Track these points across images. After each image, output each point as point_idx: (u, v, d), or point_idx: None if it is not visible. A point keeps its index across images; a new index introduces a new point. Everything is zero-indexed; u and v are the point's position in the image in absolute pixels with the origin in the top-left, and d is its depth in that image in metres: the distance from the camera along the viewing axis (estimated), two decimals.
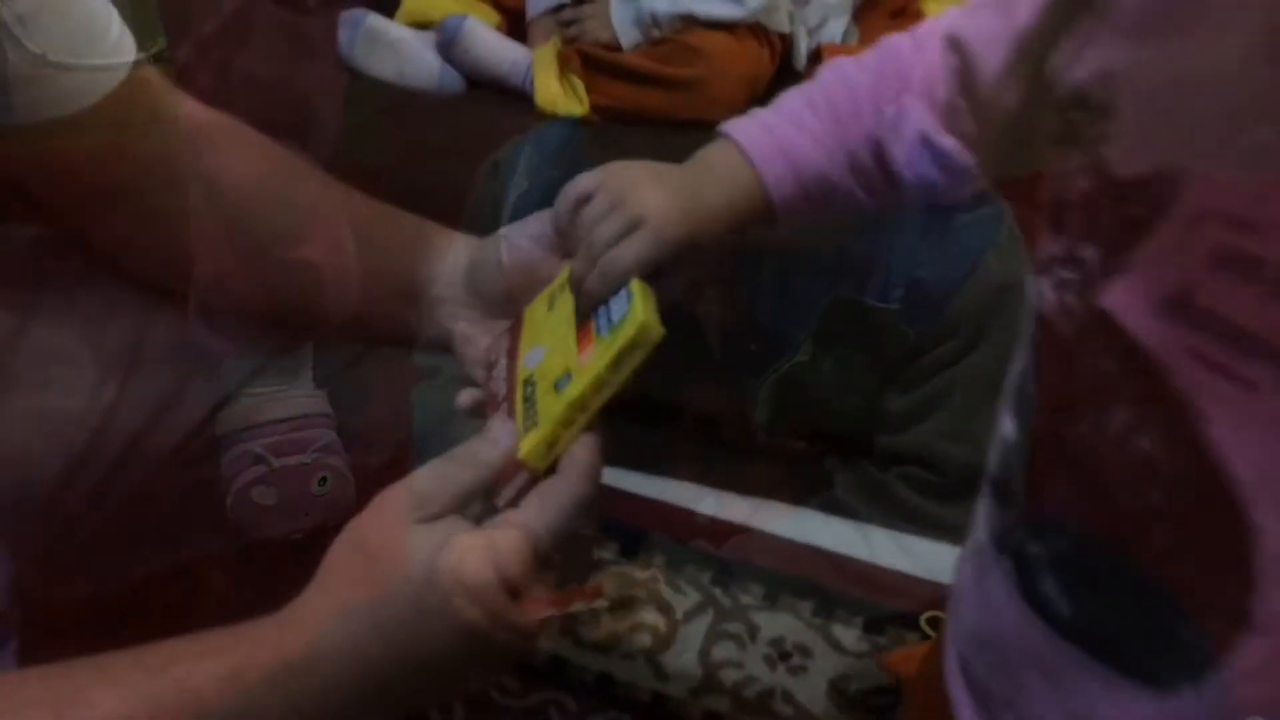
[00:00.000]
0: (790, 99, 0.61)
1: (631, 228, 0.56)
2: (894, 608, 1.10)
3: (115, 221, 0.64)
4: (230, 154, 0.66)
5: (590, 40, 1.19)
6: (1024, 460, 0.47)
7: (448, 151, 1.14)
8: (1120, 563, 0.43)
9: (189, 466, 0.69)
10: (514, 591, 0.47)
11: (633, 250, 0.56)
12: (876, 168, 0.59)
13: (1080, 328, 0.41)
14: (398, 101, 1.18)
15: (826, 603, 1.11)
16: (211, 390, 0.69)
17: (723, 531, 1.19)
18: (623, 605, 1.12)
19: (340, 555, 0.49)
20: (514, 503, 0.50)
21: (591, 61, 1.16)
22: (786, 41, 1.26)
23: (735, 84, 1.19)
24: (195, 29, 0.92)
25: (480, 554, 0.46)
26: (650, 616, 1.11)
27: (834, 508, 1.21)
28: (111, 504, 0.66)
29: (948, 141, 0.57)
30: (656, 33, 1.20)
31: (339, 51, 1.23)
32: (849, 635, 1.08)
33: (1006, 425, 0.48)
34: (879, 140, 0.59)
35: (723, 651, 1.08)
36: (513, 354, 0.59)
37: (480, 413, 0.59)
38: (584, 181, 0.59)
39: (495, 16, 1.28)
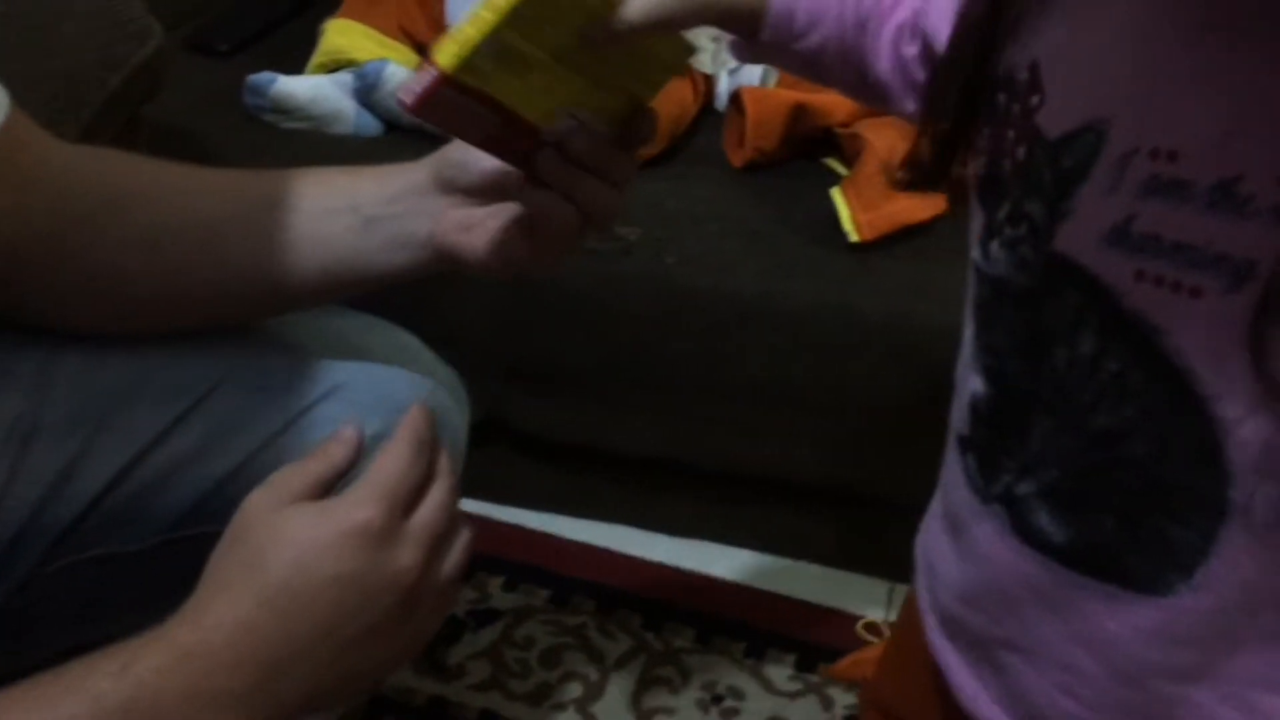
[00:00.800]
0: None
1: None
2: (825, 643, 1.11)
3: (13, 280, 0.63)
4: (130, 185, 0.66)
5: None
6: (999, 410, 0.51)
7: None
8: (1107, 480, 0.48)
9: (97, 537, 0.67)
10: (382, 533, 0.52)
11: None
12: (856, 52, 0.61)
13: (1039, 274, 0.47)
14: (314, 149, 1.16)
15: (758, 643, 1.11)
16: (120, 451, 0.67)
17: (653, 574, 1.19)
18: (553, 656, 1.11)
19: (219, 552, 0.53)
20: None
21: None
22: (710, 82, 1.27)
23: (665, 120, 1.19)
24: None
25: (343, 504, 0.53)
26: (580, 665, 1.10)
27: (764, 545, 1.21)
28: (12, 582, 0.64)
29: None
30: None
31: (247, 109, 1.20)
32: (780, 674, 1.08)
33: (975, 383, 0.52)
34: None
35: (655, 699, 1.07)
36: None
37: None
38: None
39: (416, 59, 1.27)
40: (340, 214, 0.66)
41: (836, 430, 1.08)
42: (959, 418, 0.54)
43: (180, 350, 0.69)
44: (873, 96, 0.62)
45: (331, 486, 0.55)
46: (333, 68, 1.22)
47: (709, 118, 1.25)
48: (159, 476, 0.67)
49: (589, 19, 0.54)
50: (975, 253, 0.51)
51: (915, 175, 0.56)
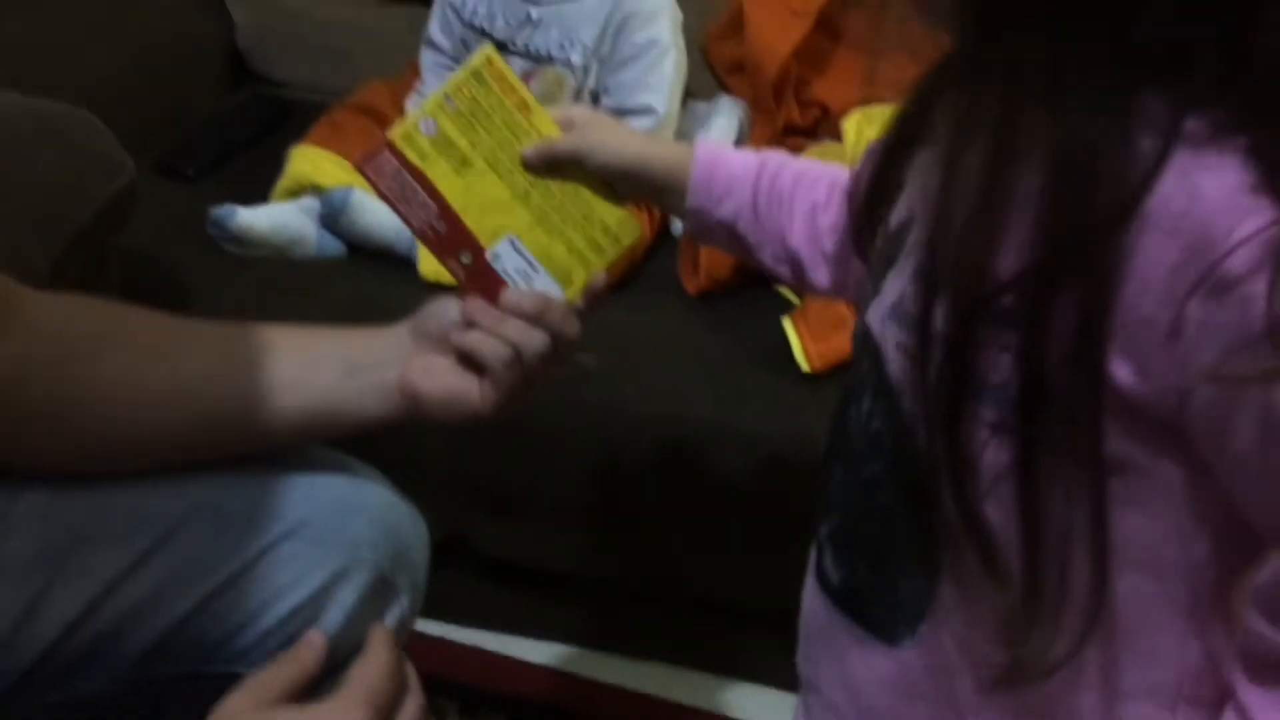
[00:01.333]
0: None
1: None
2: None
3: None
4: (101, 338, 0.67)
5: None
6: (824, 461, 0.59)
7: (331, 323, 1.14)
8: (864, 526, 0.54)
9: (59, 679, 0.67)
10: None
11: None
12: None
13: (856, 342, 0.55)
14: (278, 273, 1.18)
15: None
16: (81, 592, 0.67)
17: (612, 697, 1.19)
18: None
19: None
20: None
21: None
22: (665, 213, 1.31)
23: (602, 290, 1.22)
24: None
25: (328, 710, 0.55)
26: None
27: (727, 670, 1.21)
28: None
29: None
30: None
31: (211, 237, 1.23)
32: None
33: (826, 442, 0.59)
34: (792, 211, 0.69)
35: None
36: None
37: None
38: None
39: None
40: (325, 359, 0.68)
41: (792, 555, 1.09)
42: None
43: (143, 488, 0.69)
44: (789, 268, 0.69)
45: (305, 691, 0.58)
46: (298, 192, 1.25)
47: (666, 243, 1.29)
48: (120, 617, 0.67)
49: (516, 135, 0.64)
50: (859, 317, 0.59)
51: None
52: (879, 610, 0.54)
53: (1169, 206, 0.41)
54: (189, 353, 0.68)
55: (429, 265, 1.19)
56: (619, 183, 0.67)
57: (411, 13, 1.52)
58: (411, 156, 0.63)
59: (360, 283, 1.18)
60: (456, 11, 1.30)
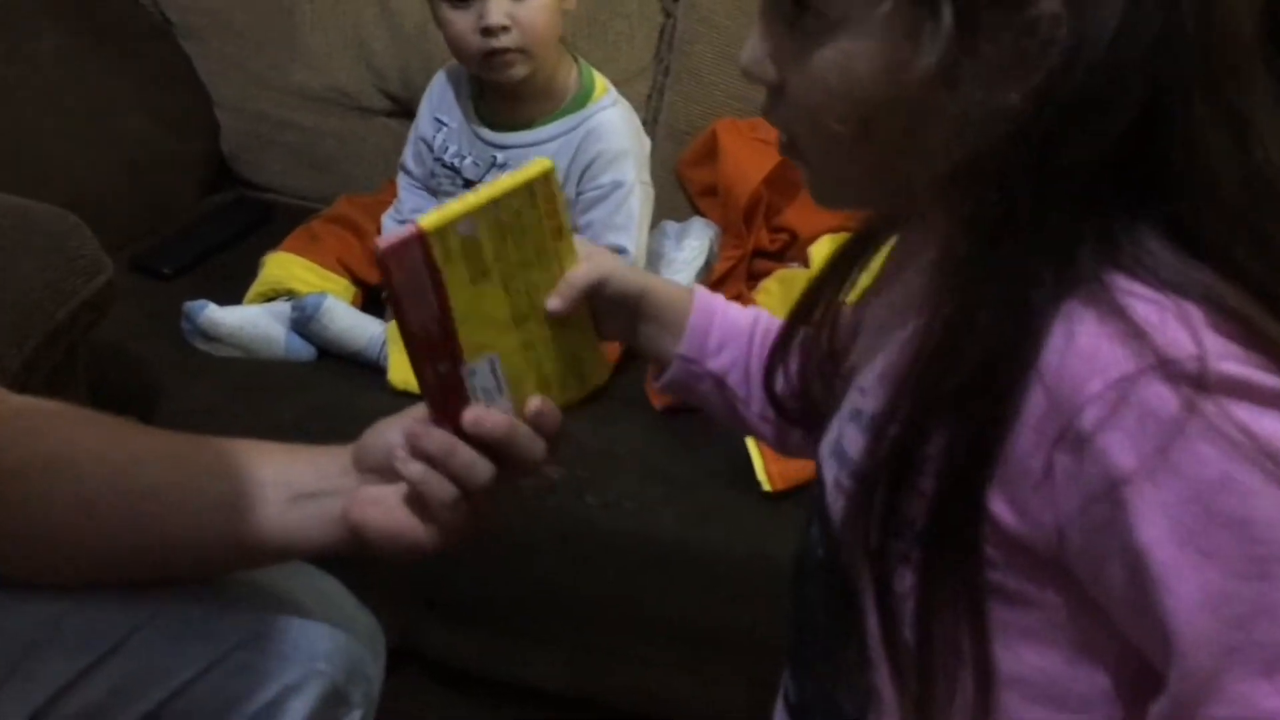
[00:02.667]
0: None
1: None
2: None
3: None
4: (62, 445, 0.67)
5: None
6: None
7: (298, 426, 1.15)
8: (809, 647, 0.57)
9: None
10: None
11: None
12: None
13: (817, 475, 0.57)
14: (247, 374, 1.19)
15: None
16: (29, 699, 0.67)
17: None
18: None
19: None
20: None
21: None
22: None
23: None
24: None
25: None
26: None
27: None
28: None
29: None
30: None
31: (183, 336, 1.24)
32: None
33: None
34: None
35: None
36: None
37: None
38: None
39: (352, 289, 1.32)
40: (270, 489, 0.67)
41: (751, 673, 1.09)
42: None
43: (99, 596, 0.69)
44: (771, 428, 0.69)
45: None
46: (271, 297, 1.26)
47: (634, 360, 1.30)
48: None
49: (540, 258, 0.61)
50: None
51: None
52: None
53: (1049, 357, 0.44)
54: (137, 482, 0.67)
55: (398, 373, 1.21)
56: (614, 315, 0.66)
57: (395, 124, 1.56)
58: (437, 253, 0.58)
59: (330, 388, 1.19)
60: (428, 145, 1.34)
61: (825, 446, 0.56)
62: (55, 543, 0.66)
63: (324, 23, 1.54)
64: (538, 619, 1.11)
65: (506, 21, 1.17)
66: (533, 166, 0.61)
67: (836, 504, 0.53)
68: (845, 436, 0.53)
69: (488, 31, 1.16)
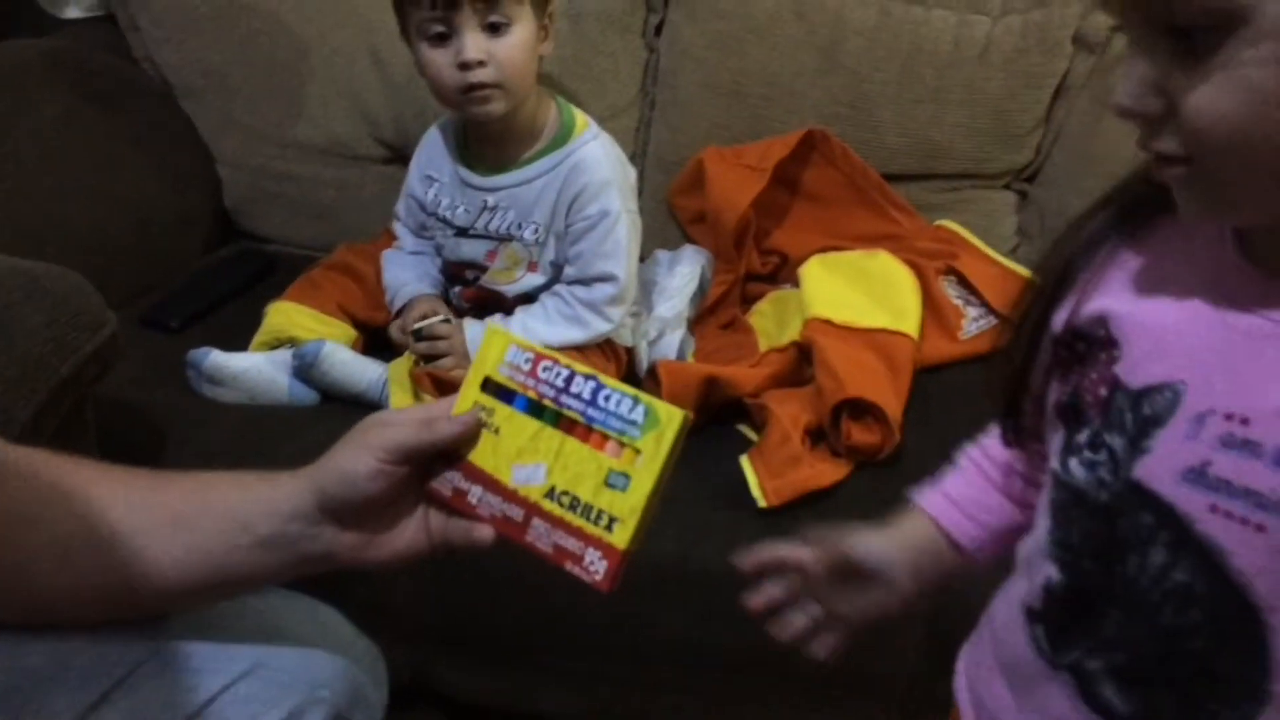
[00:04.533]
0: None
1: None
2: None
3: None
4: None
5: (446, 368, 1.27)
6: (1074, 597, 0.61)
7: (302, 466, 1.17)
8: (1169, 666, 0.57)
9: None
10: None
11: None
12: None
13: (1115, 495, 0.57)
14: (252, 421, 1.22)
15: None
16: None
17: None
18: None
19: None
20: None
21: (445, 385, 1.23)
22: (631, 354, 1.36)
23: None
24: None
25: None
26: None
27: None
28: None
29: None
30: None
31: (189, 385, 1.27)
32: None
33: (1049, 570, 0.62)
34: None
35: None
36: (484, 481, 0.68)
37: (499, 537, 0.68)
38: None
39: (352, 333, 1.35)
40: (235, 535, 0.69)
41: (755, 689, 1.10)
42: (1031, 594, 0.64)
43: (101, 633, 0.71)
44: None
45: None
46: (275, 345, 1.30)
47: (631, 383, 1.32)
48: None
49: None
50: (1055, 463, 0.61)
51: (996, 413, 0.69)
52: None
53: None
54: (106, 527, 0.69)
55: (400, 408, 1.24)
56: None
57: (392, 171, 1.60)
58: (635, 547, 0.67)
59: (332, 428, 1.20)
60: (420, 203, 1.38)
61: (1164, 469, 0.55)
62: (33, 589, 0.68)
63: (318, 76, 1.59)
64: (546, 649, 1.13)
65: (483, 56, 1.20)
66: (683, 420, 0.66)
67: (1221, 530, 0.53)
68: (1216, 464, 0.53)
69: (465, 66, 1.20)
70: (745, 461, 1.14)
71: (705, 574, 1.08)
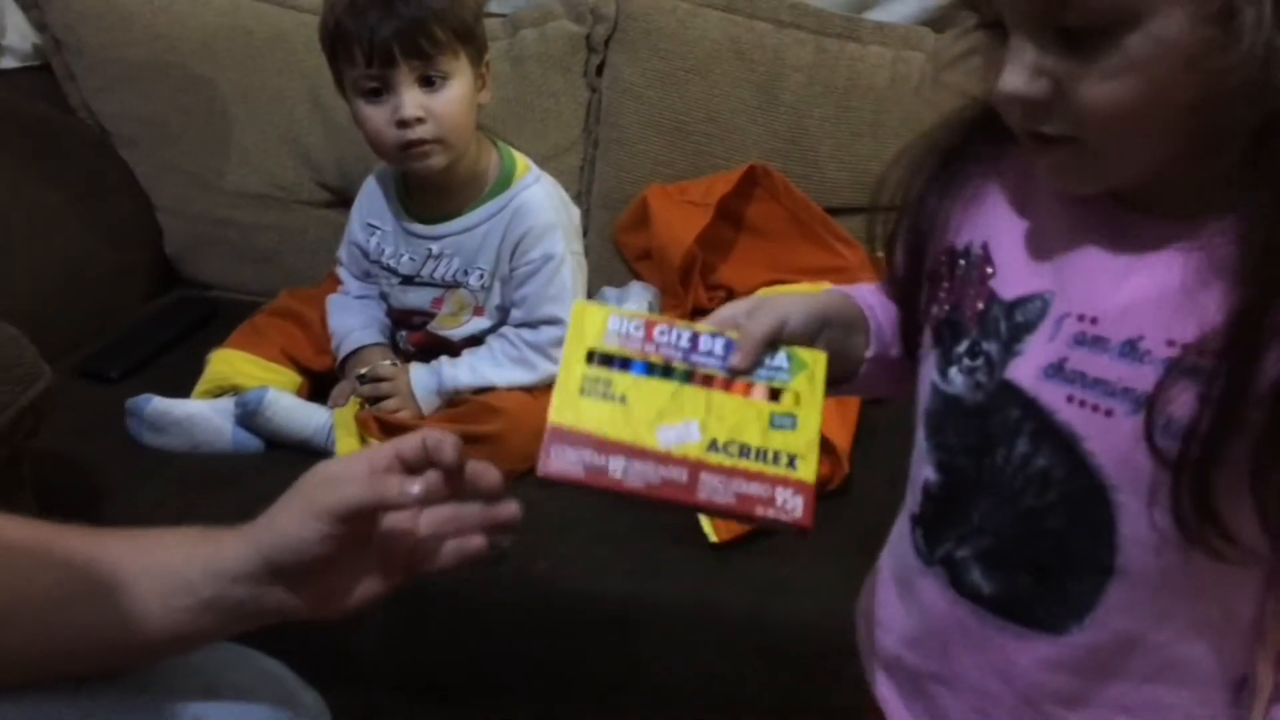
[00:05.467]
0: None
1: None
2: None
3: None
4: None
5: (391, 410, 1.26)
6: (947, 493, 0.66)
7: (248, 517, 1.15)
8: (1027, 546, 0.63)
9: None
10: None
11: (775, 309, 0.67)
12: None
13: (989, 395, 0.63)
14: (195, 470, 1.20)
15: None
16: None
17: None
18: None
19: None
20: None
21: (390, 428, 1.22)
22: None
23: (531, 436, 1.24)
24: None
25: None
26: None
27: None
28: None
29: None
30: (457, 397, 1.27)
31: (130, 433, 1.25)
32: None
33: (927, 472, 0.67)
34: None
35: None
36: (625, 451, 0.63)
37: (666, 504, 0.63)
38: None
39: (297, 379, 1.34)
40: (177, 596, 0.67)
41: None
42: (912, 499, 0.69)
43: (37, 695, 0.69)
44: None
45: None
46: (218, 393, 1.28)
47: None
48: None
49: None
50: (934, 375, 0.67)
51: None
52: (1044, 608, 0.63)
53: None
54: (52, 595, 0.67)
55: (347, 452, 1.22)
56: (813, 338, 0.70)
57: (336, 215, 1.59)
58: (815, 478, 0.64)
59: (277, 476, 1.18)
60: (363, 250, 1.38)
61: (1028, 368, 0.61)
62: None
63: (258, 121, 1.58)
64: (495, 688, 1.11)
65: (420, 113, 1.20)
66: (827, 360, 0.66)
67: (1077, 417, 0.59)
68: (1071, 360, 0.59)
69: (403, 124, 1.20)
70: None
71: (656, 612, 1.07)
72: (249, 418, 1.23)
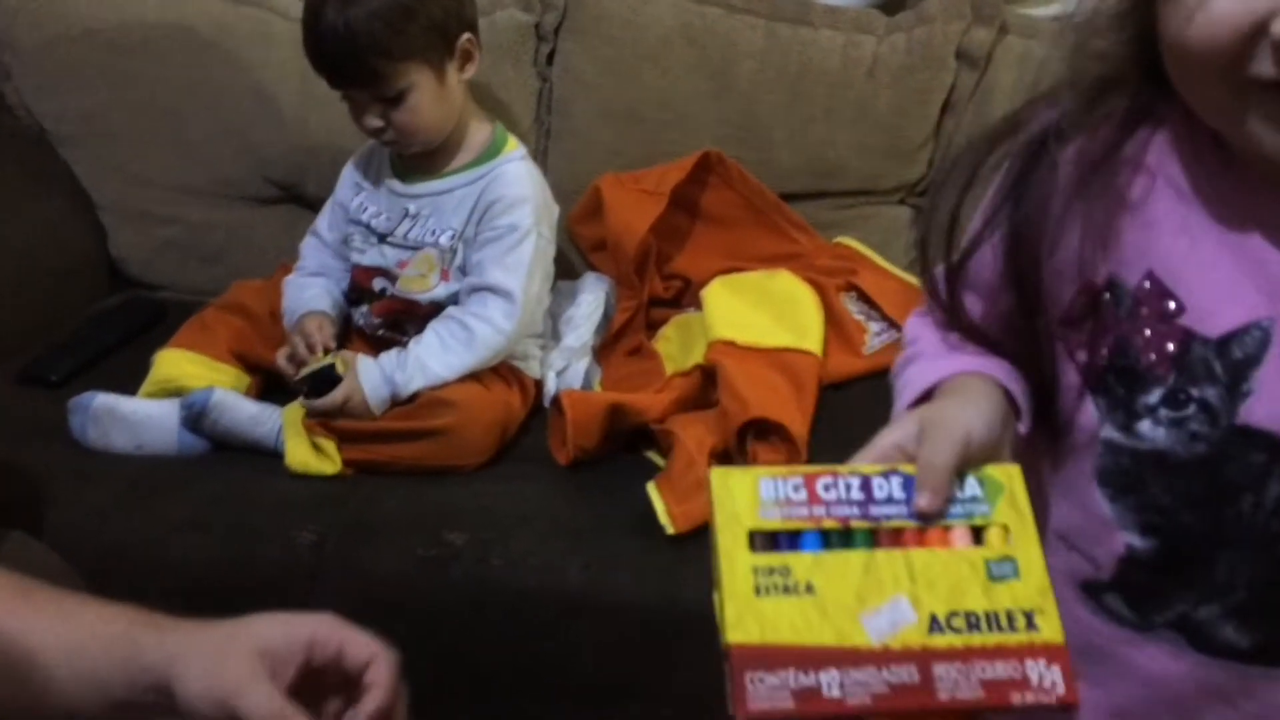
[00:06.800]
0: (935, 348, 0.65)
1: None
2: None
3: None
4: None
5: (335, 401, 1.23)
6: (1170, 555, 0.60)
7: (194, 523, 1.13)
8: None
9: None
10: None
11: (948, 435, 0.55)
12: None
13: (1217, 444, 0.57)
14: (138, 476, 1.17)
15: None
16: None
17: None
18: None
19: None
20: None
21: (341, 430, 1.20)
22: (539, 387, 1.34)
23: (484, 430, 1.24)
24: None
25: None
26: None
27: None
28: None
29: None
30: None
31: (72, 435, 1.22)
32: None
33: (1128, 538, 0.60)
34: None
35: None
36: (834, 661, 0.50)
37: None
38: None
39: (246, 379, 1.31)
40: (92, 691, 0.64)
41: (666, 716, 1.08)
42: (1093, 568, 0.62)
43: None
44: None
45: None
46: (162, 396, 1.25)
47: (538, 417, 1.31)
48: None
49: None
50: (1107, 432, 0.59)
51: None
52: None
53: None
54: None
55: (296, 455, 1.20)
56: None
57: (285, 211, 1.57)
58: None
59: (224, 479, 1.18)
60: (344, 209, 1.37)
61: (1269, 407, 0.55)
62: None
63: (203, 117, 1.55)
64: (450, 690, 1.09)
65: (380, 124, 1.25)
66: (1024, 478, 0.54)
67: None
68: None
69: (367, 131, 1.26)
70: (652, 488, 1.13)
71: (614, 605, 1.06)
72: (195, 419, 1.20)
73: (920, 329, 0.67)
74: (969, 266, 0.62)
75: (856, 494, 0.53)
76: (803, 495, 0.53)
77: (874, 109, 1.48)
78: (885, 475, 0.53)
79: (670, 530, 1.09)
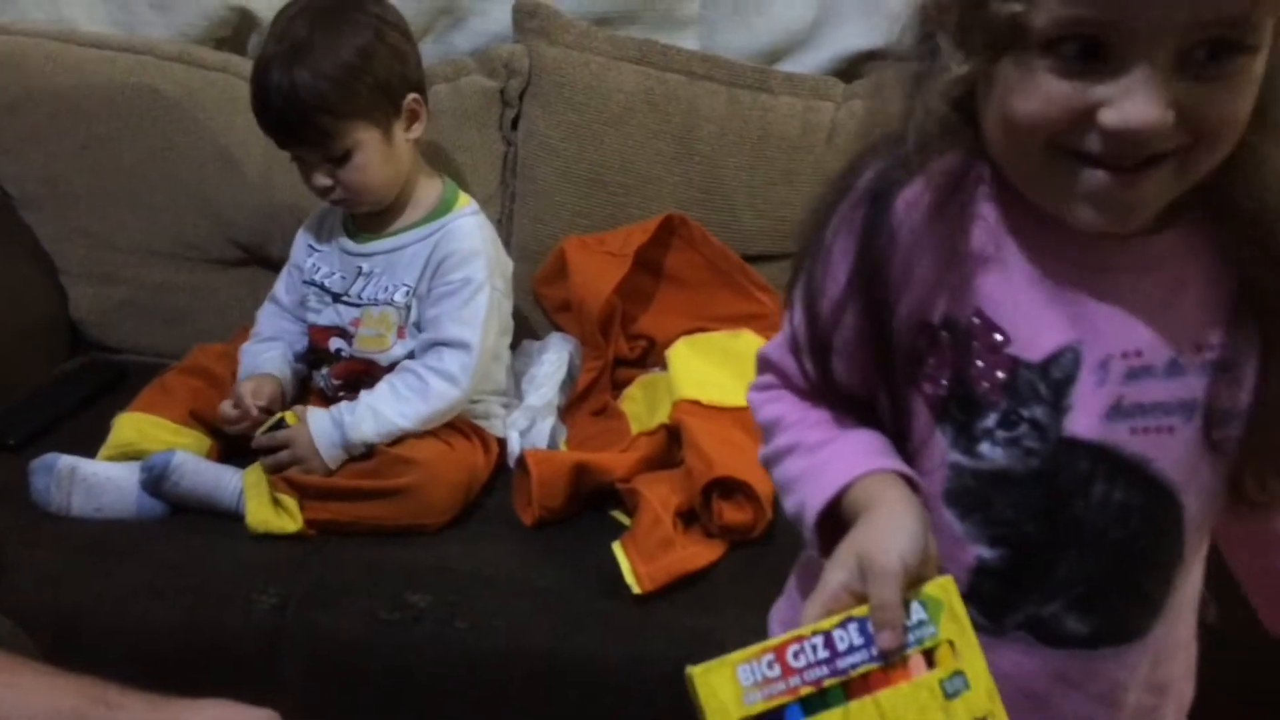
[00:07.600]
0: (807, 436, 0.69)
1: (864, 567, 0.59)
2: None
3: None
4: None
5: (296, 470, 1.22)
6: (1017, 562, 0.65)
7: (151, 588, 1.11)
8: (1119, 575, 0.65)
9: None
10: None
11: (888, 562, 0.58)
12: None
13: (1048, 458, 0.63)
14: (93, 539, 1.15)
15: None
16: None
17: None
18: None
19: None
20: None
21: (302, 487, 1.19)
22: (503, 446, 1.34)
23: (448, 490, 1.23)
24: None
25: None
26: None
27: None
28: None
29: None
30: (364, 449, 1.24)
31: (32, 497, 1.20)
32: None
33: (978, 551, 0.66)
34: None
35: None
36: None
37: None
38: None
39: (207, 442, 1.29)
40: None
41: None
42: (961, 585, 0.63)
43: None
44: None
45: None
46: (121, 460, 1.23)
47: (503, 477, 1.31)
48: None
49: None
50: (953, 456, 0.64)
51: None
52: (1133, 622, 0.66)
53: None
54: None
55: (257, 514, 1.18)
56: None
57: (248, 274, 1.57)
58: None
59: (183, 542, 1.16)
60: (300, 270, 1.38)
61: (1089, 417, 0.62)
62: None
63: (166, 180, 1.55)
64: None
65: (329, 183, 1.26)
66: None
67: (1146, 443, 0.62)
68: (1126, 396, 0.61)
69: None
70: (617, 548, 1.12)
71: (579, 667, 1.05)
72: (156, 482, 1.19)
73: (778, 409, 0.71)
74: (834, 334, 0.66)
75: (822, 653, 0.57)
76: (777, 671, 0.57)
77: (832, 172, 1.50)
78: (843, 625, 0.57)
79: (636, 590, 1.09)
